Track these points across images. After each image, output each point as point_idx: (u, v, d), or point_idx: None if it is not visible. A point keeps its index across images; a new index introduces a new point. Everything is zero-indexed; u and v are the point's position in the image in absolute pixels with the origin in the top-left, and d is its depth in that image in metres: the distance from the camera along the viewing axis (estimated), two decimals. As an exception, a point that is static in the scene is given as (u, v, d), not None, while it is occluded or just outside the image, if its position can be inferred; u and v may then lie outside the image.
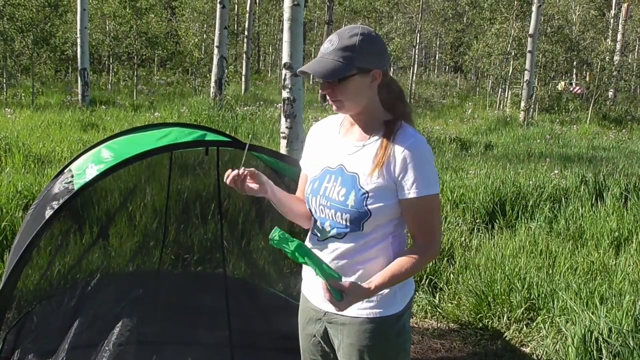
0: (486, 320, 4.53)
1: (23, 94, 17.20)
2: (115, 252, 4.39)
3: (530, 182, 7.84)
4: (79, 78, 16.56)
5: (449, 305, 4.80)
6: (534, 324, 4.43)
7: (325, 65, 1.97)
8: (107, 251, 4.29)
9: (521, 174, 8.81)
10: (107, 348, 3.13)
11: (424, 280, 5.07)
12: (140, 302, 3.60)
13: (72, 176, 3.29)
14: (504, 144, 13.31)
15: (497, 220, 6.60)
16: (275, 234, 1.90)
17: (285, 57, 6.26)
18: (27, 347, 3.19)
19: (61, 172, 3.67)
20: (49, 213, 2.99)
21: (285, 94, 6.26)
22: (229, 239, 4.48)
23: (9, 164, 7.06)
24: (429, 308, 4.76)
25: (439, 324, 4.61)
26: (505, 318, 4.50)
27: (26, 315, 3.51)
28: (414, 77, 23.60)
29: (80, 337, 3.23)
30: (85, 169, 3.26)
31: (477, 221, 6.69)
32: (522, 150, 12.19)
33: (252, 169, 2.09)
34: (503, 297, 4.65)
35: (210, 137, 3.46)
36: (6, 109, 13.25)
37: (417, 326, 4.57)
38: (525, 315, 4.51)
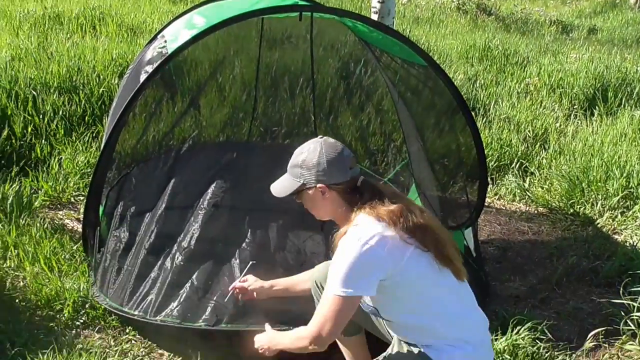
0: (578, 207, 4.38)
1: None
2: (206, 122, 4.48)
3: (639, 69, 7.27)
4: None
5: (539, 189, 4.66)
6: (630, 212, 4.24)
7: (280, 182, 2.24)
8: (198, 121, 4.38)
9: (628, 59, 8.17)
10: (202, 206, 3.23)
11: (514, 163, 4.92)
12: (230, 171, 3.69)
13: (165, 41, 3.30)
14: (609, 28, 12.30)
15: (596, 107, 6.22)
16: None
17: None
18: (128, 204, 3.36)
19: (154, 39, 3.70)
20: (143, 77, 3.04)
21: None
22: (317, 114, 4.46)
23: (104, 33, 7.20)
24: (518, 192, 4.64)
25: (527, 208, 4.51)
26: (599, 205, 4.33)
27: (125, 176, 3.68)
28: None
29: (175, 198, 3.37)
30: (178, 35, 3.26)
31: (574, 107, 6.33)
32: (630, 36, 11.24)
33: (243, 286, 2.63)
34: (598, 184, 4.46)
35: (302, 3, 3.34)
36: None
37: (504, 208, 4.49)
38: (621, 203, 4.32)
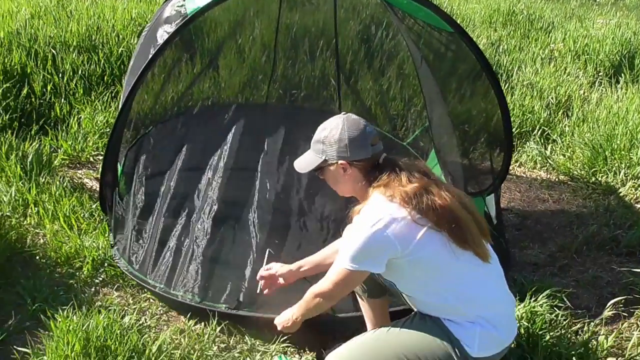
0: (600, 175, 4.31)
1: None
2: (224, 84, 4.44)
3: (668, 35, 7.06)
4: None
5: (561, 157, 4.58)
6: (654, 182, 4.17)
7: (303, 158, 2.25)
8: (216, 82, 4.34)
9: (657, 26, 7.94)
10: (219, 168, 3.22)
11: (536, 130, 4.84)
12: (248, 132, 3.65)
13: (184, 0, 3.24)
14: (638, -6, 11.96)
15: (622, 75, 6.07)
16: None
17: None
18: (146, 165, 3.36)
19: (172, -3, 3.63)
20: (161, 35, 3.00)
21: None
22: (337, 78, 4.39)
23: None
24: (539, 159, 4.57)
25: (548, 175, 4.44)
26: (621, 174, 4.25)
27: (144, 136, 3.67)
28: None
29: (192, 160, 3.35)
30: (197, -6, 3.19)
31: (599, 74, 6.18)
32: (659, 2, 10.93)
33: (270, 274, 2.59)
34: (622, 152, 4.37)
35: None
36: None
37: (525, 176, 4.44)
38: (645, 173, 4.24)
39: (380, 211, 2.01)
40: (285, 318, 2.40)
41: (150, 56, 2.89)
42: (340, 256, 2.09)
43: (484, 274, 2.13)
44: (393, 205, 2.02)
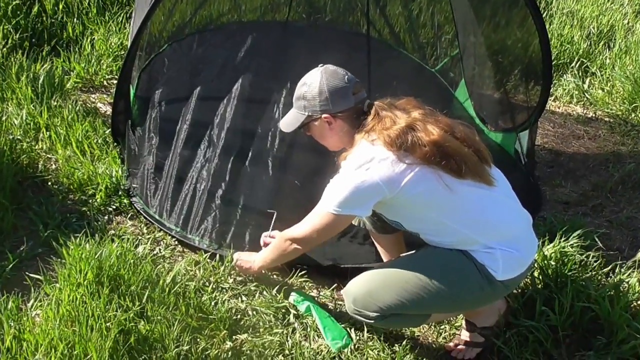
0: (640, 112, 4.07)
1: None
2: (245, 7, 4.21)
3: None
4: None
5: (600, 92, 4.33)
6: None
7: (288, 117, 2.23)
8: (236, 4, 4.12)
9: None
10: (235, 97, 3.06)
11: (574, 62, 4.55)
12: (267, 55, 3.44)
13: None
14: None
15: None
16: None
17: None
18: (160, 88, 3.21)
19: None
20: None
21: None
22: (363, 2, 4.13)
23: None
24: (576, 93, 4.32)
25: (585, 111, 4.21)
26: (664, 110, 4.01)
27: (157, 55, 3.50)
28: None
29: (208, 88, 3.19)
30: None
31: (645, 2, 5.79)
32: None
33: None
34: (666, 87, 4.11)
35: None
36: None
37: (559, 111, 4.21)
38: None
39: (365, 155, 2.00)
40: (246, 259, 2.47)
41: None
42: (323, 200, 2.08)
43: (490, 198, 2.10)
44: (376, 148, 2.01)
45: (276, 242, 2.33)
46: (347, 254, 2.64)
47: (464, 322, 2.40)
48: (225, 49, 3.53)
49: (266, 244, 2.52)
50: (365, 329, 2.41)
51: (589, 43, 4.78)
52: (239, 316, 2.42)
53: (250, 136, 2.99)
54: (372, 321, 2.15)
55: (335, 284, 2.63)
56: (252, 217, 2.75)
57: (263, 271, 2.57)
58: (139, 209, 2.85)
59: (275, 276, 2.64)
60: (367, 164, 1.99)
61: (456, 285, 2.09)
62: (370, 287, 2.14)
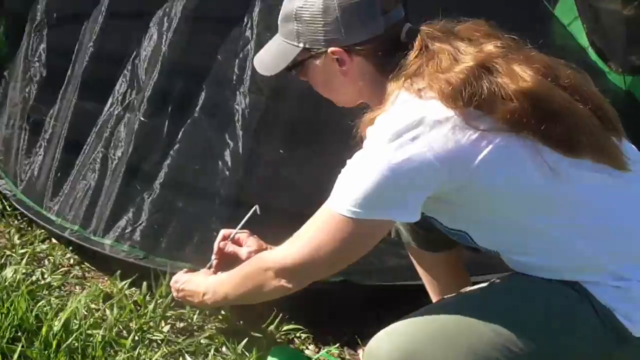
0: None
1: None
2: None
3: None
4: None
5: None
6: None
7: (268, 49, 1.58)
8: None
9: None
10: (173, 12, 2.21)
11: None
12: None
13: None
14: None
15: None
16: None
17: None
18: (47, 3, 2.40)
19: None
20: None
21: None
22: None
23: None
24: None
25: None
26: None
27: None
28: None
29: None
30: None
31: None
32: None
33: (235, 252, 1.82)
34: None
35: None
36: None
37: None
38: None
39: (406, 116, 1.41)
40: (193, 286, 1.79)
41: None
42: (333, 195, 1.49)
43: (623, 191, 1.48)
44: (426, 104, 1.40)
45: (250, 268, 1.63)
46: (370, 263, 1.92)
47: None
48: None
49: (227, 255, 1.81)
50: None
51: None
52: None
53: (200, 77, 2.19)
54: None
55: (347, 337, 1.87)
56: (209, 208, 2.04)
57: (221, 309, 1.92)
58: (4, 192, 2.22)
59: (242, 320, 1.92)
60: (410, 132, 1.38)
61: (560, 345, 1.43)
62: (413, 345, 1.46)
